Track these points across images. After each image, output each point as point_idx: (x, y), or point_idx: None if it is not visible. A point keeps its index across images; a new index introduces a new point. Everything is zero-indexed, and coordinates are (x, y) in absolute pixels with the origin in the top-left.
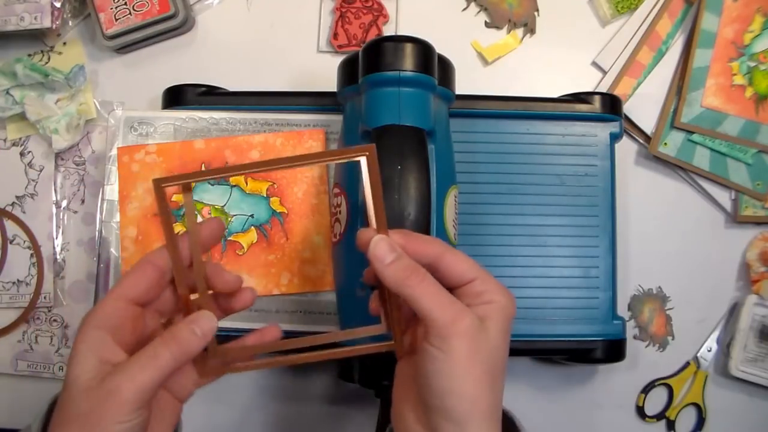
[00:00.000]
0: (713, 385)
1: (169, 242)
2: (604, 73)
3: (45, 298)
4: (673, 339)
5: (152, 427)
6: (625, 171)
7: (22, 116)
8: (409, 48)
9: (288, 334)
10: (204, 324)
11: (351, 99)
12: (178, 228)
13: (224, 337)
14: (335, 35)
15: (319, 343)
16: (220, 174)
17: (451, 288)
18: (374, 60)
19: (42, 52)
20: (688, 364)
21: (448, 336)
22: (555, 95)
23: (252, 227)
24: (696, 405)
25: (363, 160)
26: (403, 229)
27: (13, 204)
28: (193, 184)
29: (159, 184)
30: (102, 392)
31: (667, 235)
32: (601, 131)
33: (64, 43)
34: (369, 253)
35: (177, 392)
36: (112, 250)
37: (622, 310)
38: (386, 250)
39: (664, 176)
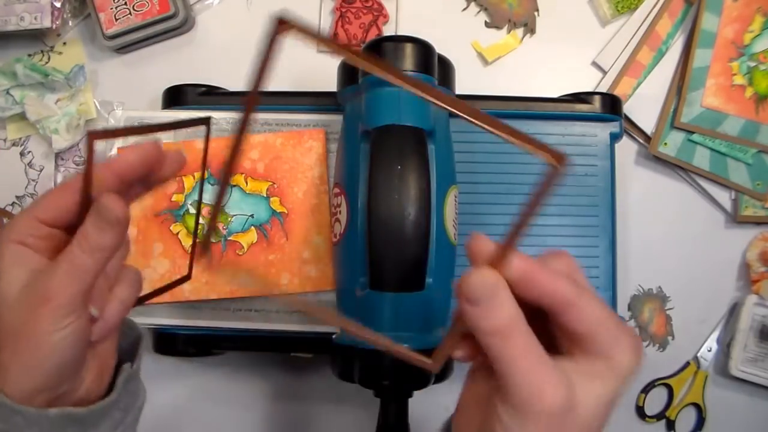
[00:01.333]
0: (713, 385)
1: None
2: (604, 73)
3: None
4: (673, 339)
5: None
6: (625, 171)
7: (22, 116)
8: (409, 48)
9: (289, 334)
10: (107, 207)
11: (351, 99)
12: (178, 228)
13: (221, 336)
14: (335, 35)
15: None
16: (147, 131)
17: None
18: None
19: (42, 52)
20: (688, 364)
21: (523, 415)
22: (555, 95)
23: (252, 227)
24: (696, 405)
25: (550, 169)
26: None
27: (13, 204)
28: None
29: (92, 138)
30: (34, 300)
31: (667, 235)
32: (601, 131)
33: (64, 43)
34: (465, 280)
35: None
36: None
37: (622, 310)
38: (487, 288)
39: (664, 176)
